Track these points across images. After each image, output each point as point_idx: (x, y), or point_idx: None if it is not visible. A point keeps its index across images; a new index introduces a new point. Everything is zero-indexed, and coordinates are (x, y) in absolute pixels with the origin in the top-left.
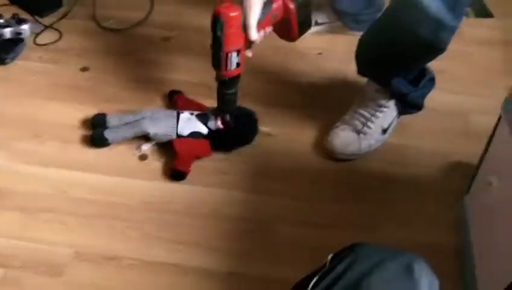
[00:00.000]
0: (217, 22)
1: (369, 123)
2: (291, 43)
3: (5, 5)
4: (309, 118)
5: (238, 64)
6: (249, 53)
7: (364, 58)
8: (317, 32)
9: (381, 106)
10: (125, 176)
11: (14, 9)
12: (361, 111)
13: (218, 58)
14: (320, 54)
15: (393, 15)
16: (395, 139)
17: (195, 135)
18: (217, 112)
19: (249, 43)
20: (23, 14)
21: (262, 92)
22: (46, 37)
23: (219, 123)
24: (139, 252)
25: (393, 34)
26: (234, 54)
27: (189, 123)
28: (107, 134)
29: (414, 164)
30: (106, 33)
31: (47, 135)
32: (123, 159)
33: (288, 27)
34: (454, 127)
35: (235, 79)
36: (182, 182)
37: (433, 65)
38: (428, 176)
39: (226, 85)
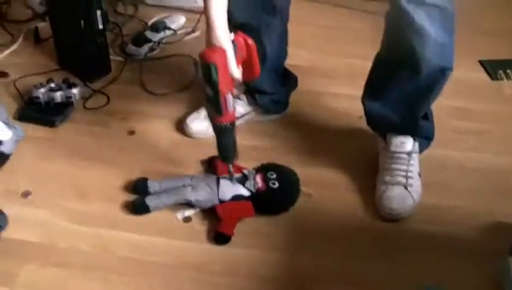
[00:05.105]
0: (210, 68)
1: (409, 174)
2: (333, 105)
3: (56, 70)
4: (347, 179)
5: (234, 106)
6: (234, 90)
7: (388, 115)
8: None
9: (410, 153)
10: (168, 236)
11: (65, 75)
12: (397, 166)
13: (218, 104)
14: (360, 117)
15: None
16: (435, 199)
17: (237, 198)
18: (225, 160)
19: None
20: (73, 79)
21: (302, 151)
22: (95, 101)
23: (259, 183)
24: None
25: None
26: (230, 96)
27: (229, 187)
28: (149, 201)
29: (454, 224)
30: (152, 97)
31: (91, 195)
32: (166, 220)
33: (250, 64)
34: (494, 186)
35: (234, 122)
36: None
37: (473, 127)
38: (469, 236)
39: (228, 131)
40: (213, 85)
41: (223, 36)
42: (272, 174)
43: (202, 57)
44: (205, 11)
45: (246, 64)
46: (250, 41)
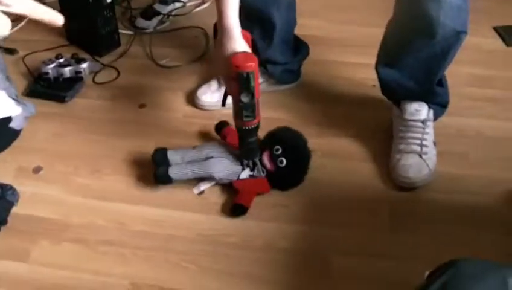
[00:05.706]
0: (249, 76)
1: (424, 142)
2: (347, 74)
3: (65, 45)
4: (362, 148)
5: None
6: None
7: (404, 81)
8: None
9: (425, 121)
10: (182, 209)
11: (74, 50)
12: (412, 134)
13: (254, 109)
14: (374, 86)
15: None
16: (453, 168)
17: (253, 176)
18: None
19: None
20: (82, 54)
21: (316, 121)
22: (105, 75)
23: (267, 164)
24: (194, 284)
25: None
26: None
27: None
28: (172, 173)
29: (473, 193)
30: (162, 70)
31: (105, 169)
32: (181, 193)
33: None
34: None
35: (260, 121)
36: None
37: (489, 93)
38: (487, 205)
39: (255, 131)
40: (251, 92)
41: (243, 41)
42: (278, 150)
43: (239, 67)
44: (221, 20)
45: None
46: (248, 33)
